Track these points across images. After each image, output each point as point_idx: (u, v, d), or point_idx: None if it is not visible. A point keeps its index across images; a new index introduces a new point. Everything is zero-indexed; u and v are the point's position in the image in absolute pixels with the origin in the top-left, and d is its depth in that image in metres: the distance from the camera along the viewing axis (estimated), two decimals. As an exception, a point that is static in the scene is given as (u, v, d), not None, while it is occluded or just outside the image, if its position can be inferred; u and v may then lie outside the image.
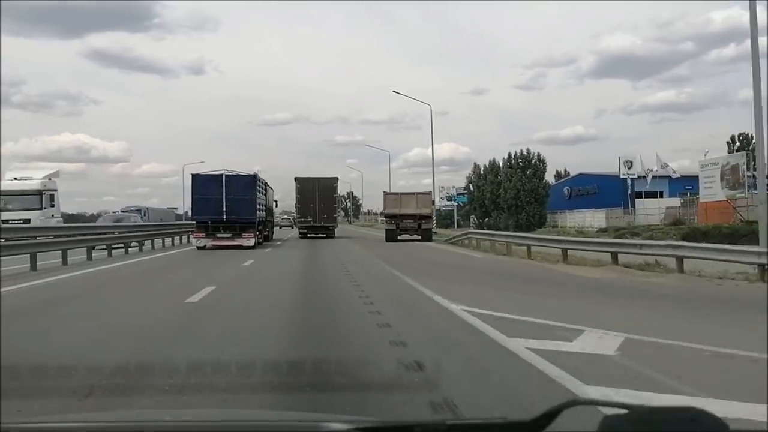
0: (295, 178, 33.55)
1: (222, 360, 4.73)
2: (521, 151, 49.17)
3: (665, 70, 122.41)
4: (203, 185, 23.12)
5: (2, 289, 9.34)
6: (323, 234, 32.43)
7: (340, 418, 1.50)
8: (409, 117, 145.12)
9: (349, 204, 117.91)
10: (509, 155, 49.59)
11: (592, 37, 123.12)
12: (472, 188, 55.46)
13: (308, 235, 32.59)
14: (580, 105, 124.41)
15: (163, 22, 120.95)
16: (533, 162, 48.47)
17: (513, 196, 46.79)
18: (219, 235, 22.62)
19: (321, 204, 32.48)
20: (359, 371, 4.53)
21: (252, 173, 24.27)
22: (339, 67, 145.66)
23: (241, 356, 4.88)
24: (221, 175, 23.27)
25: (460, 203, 63.11)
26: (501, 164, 50.65)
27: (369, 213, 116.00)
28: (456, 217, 58.45)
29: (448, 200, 65.38)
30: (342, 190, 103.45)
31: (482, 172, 54.36)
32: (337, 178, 35.01)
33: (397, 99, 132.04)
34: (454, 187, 65.81)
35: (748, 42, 13.27)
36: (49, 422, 1.79)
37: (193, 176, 23.68)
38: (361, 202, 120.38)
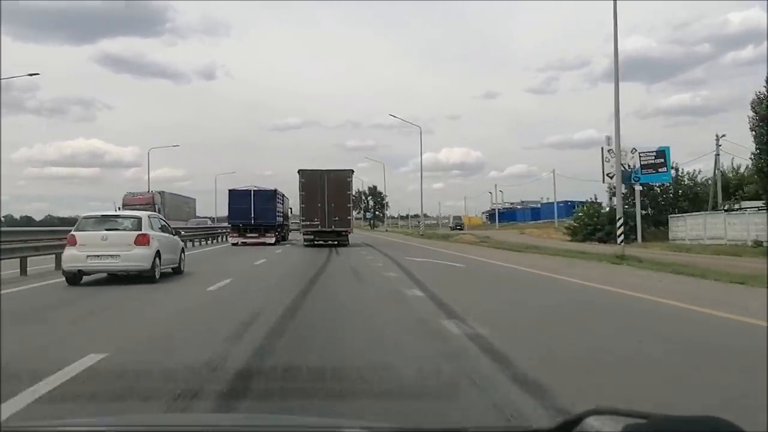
0: (299, 171, 28.16)
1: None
2: None
3: (680, 72, 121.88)
4: (237, 197, 31.80)
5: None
6: (334, 241, 27.50)
7: (359, 423, 1.58)
8: (420, 121, 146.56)
9: (371, 203, 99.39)
10: None
11: (606, 39, 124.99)
12: None
13: (315, 242, 27.50)
14: (593, 108, 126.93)
15: (175, 27, 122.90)
16: None
17: None
18: (248, 235, 30.90)
19: (331, 203, 27.24)
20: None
21: (273, 189, 32.86)
22: (350, 71, 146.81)
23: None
24: (250, 190, 32.02)
25: (640, 187, 32.98)
26: None
27: (390, 216, 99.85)
28: (639, 219, 31.24)
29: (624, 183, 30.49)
30: (361, 185, 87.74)
31: None
32: (351, 171, 29.57)
33: (407, 103, 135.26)
34: (635, 149, 34.27)
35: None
36: (51, 426, 1.82)
37: (230, 191, 32.38)
38: (386, 200, 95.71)
